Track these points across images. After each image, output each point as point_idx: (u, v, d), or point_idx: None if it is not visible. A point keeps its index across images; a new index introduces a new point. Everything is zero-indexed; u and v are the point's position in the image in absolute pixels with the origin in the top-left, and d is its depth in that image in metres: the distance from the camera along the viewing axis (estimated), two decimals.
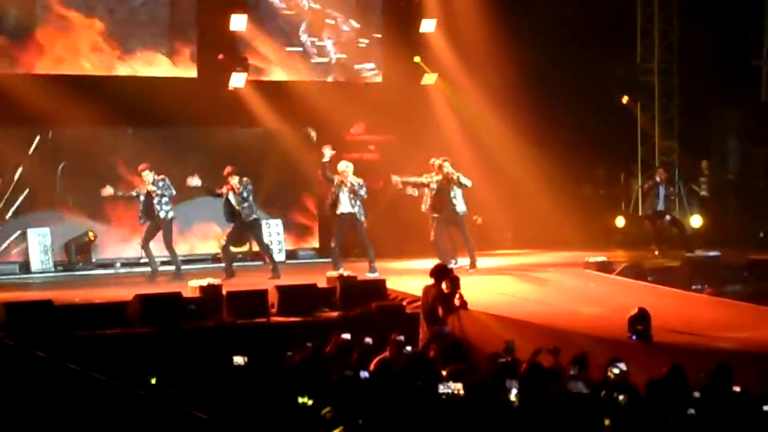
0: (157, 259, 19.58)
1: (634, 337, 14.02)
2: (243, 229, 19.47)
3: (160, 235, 19.36)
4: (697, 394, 10.40)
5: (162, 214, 19.17)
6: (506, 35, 22.16)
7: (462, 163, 20.52)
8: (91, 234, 21.40)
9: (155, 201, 19.12)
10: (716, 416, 9.66)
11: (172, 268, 19.45)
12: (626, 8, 24.55)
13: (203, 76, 21.96)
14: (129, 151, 21.35)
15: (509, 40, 22.14)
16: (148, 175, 19.16)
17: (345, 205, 19.00)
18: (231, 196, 19.02)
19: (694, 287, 18.85)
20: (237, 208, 19.05)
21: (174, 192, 19.30)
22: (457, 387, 10.15)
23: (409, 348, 13.30)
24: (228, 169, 19.13)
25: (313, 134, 22.83)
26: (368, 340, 13.47)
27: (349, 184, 18.91)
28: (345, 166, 19.07)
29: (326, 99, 22.05)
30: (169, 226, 19.36)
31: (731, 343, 14.11)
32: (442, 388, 10.19)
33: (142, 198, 19.27)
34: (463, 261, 19.62)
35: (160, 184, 19.14)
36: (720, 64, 24.20)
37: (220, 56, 21.97)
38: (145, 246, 19.60)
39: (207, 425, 9.20)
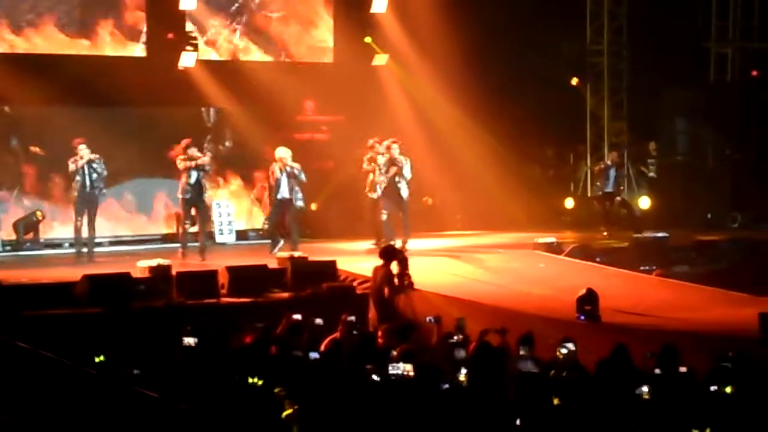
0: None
1: (582, 318, 14.14)
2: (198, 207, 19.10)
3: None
4: (649, 372, 10.50)
5: (97, 192, 18.80)
6: (457, 16, 22.14)
7: (412, 143, 20.52)
8: (39, 213, 21.20)
9: (94, 177, 18.70)
10: (663, 397, 9.74)
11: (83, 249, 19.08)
12: None
13: (153, 55, 21.80)
14: (79, 130, 21.06)
15: (459, 20, 22.12)
16: (84, 150, 18.71)
17: (283, 191, 18.93)
18: (196, 171, 18.72)
19: (642, 268, 18.97)
20: (204, 183, 18.83)
21: (106, 172, 18.91)
22: (406, 368, 10.17)
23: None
24: (186, 141, 18.92)
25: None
26: (319, 320, 13.50)
27: (288, 169, 18.85)
28: (284, 152, 19.00)
29: (277, 79, 21.95)
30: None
31: (678, 323, 14.27)
32: (392, 369, 10.21)
33: (80, 172, 18.67)
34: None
35: (97, 161, 18.74)
36: (669, 46, 24.31)
37: (170, 35, 21.82)
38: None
39: (158, 403, 9.18)
